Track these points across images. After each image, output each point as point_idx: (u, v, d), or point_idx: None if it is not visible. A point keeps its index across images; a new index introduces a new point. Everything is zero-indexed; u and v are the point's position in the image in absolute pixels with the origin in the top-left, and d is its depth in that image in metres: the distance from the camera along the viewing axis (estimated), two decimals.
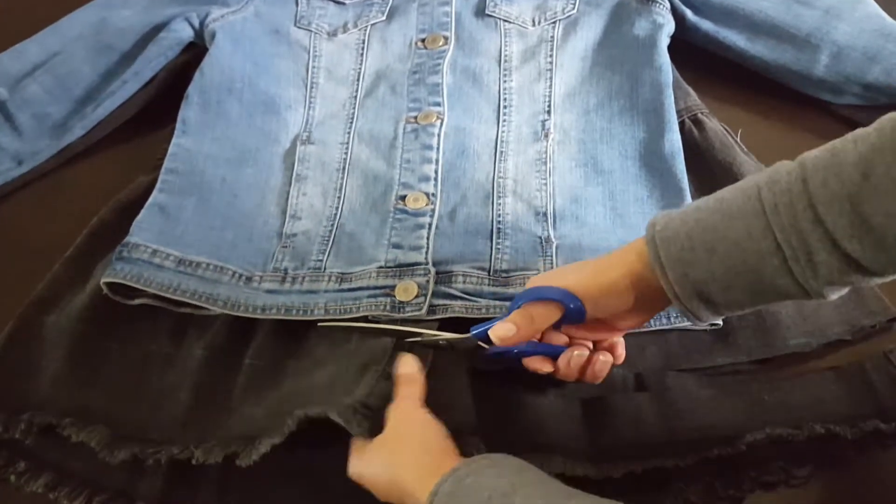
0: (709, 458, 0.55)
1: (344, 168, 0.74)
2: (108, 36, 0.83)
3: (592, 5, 0.83)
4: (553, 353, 0.56)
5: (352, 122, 0.77)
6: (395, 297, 0.62)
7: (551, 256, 0.66)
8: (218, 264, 0.66)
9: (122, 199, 0.72)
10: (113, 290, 0.64)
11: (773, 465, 0.56)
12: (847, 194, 0.43)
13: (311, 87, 0.80)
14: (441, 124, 0.75)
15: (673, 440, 0.57)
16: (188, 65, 0.82)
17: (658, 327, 0.62)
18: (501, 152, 0.73)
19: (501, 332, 0.54)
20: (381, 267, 0.65)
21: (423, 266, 0.64)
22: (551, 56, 0.80)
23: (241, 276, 0.66)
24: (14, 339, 0.64)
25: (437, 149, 0.73)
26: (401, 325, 0.61)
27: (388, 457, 0.50)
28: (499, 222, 0.69)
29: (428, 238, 0.67)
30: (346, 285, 0.64)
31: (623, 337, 0.58)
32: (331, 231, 0.69)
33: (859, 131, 0.45)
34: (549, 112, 0.76)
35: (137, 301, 0.64)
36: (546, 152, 0.73)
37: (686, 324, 0.61)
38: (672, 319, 0.62)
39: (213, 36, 0.81)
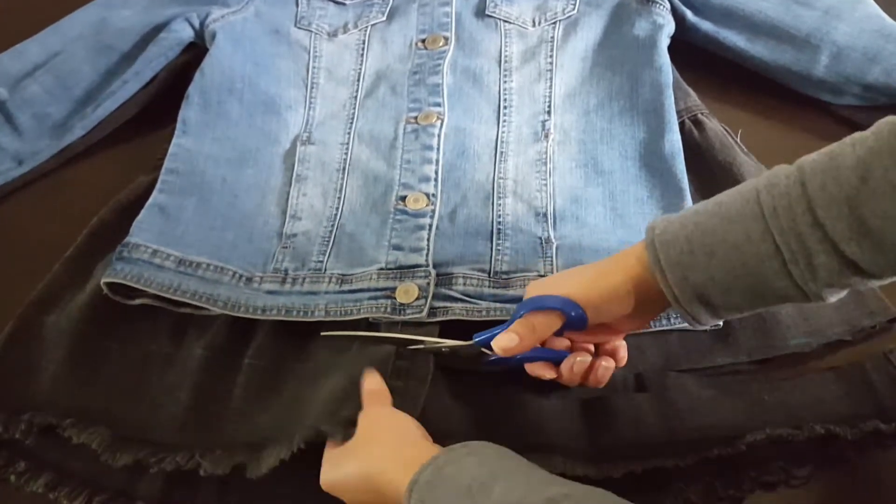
0: (709, 458, 0.55)
1: (344, 168, 0.74)
2: (109, 36, 0.83)
3: (592, 6, 0.83)
4: (555, 359, 0.56)
5: (352, 123, 0.77)
6: (395, 299, 0.62)
7: (551, 257, 0.66)
8: (218, 265, 0.66)
9: (122, 199, 0.72)
10: (113, 290, 0.64)
11: (773, 465, 0.56)
12: (845, 197, 0.43)
13: (312, 88, 0.80)
14: (441, 125, 0.75)
15: (673, 440, 0.57)
16: (188, 65, 0.82)
17: (658, 328, 0.62)
18: (501, 153, 0.73)
19: (504, 342, 0.54)
20: (381, 269, 0.65)
21: (423, 268, 0.64)
22: (551, 56, 0.80)
23: (241, 276, 0.66)
24: (14, 339, 0.63)
25: (438, 149, 0.73)
26: (402, 330, 0.61)
27: (361, 455, 0.50)
28: (499, 223, 0.69)
29: (428, 239, 0.67)
30: (346, 287, 0.64)
31: (624, 339, 0.58)
32: (331, 231, 0.69)
33: (857, 135, 0.45)
34: (549, 112, 0.76)
35: (137, 301, 0.64)
36: (546, 153, 0.73)
37: (686, 324, 0.61)
38: (672, 320, 0.62)
39: (213, 36, 0.81)
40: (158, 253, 0.65)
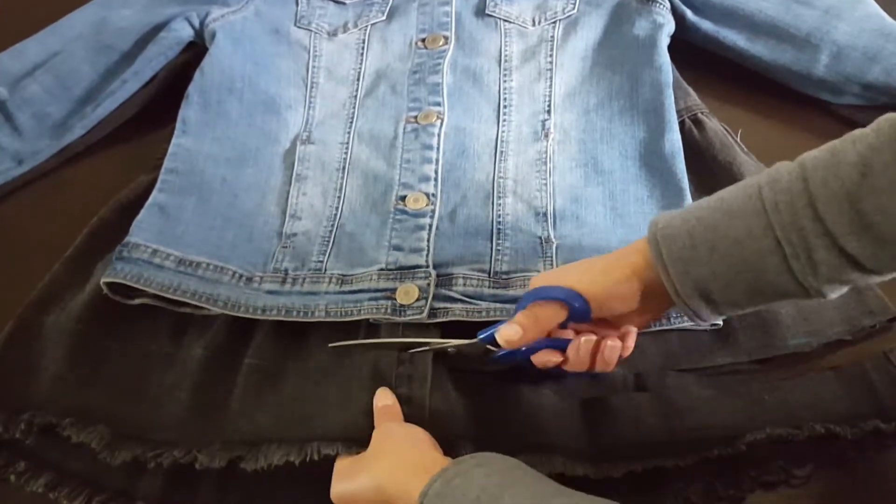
0: (709, 458, 0.55)
1: (344, 168, 0.74)
2: (108, 35, 0.83)
3: (592, 5, 0.83)
4: (560, 347, 0.56)
5: (352, 122, 0.77)
6: (395, 300, 0.62)
7: (551, 257, 0.66)
8: (218, 264, 0.66)
9: (122, 199, 0.72)
10: (113, 290, 0.64)
11: (773, 465, 0.56)
12: (846, 193, 0.44)
13: (312, 87, 0.80)
14: (441, 124, 0.75)
15: (673, 440, 0.57)
16: (188, 64, 0.82)
17: (658, 328, 0.62)
18: (501, 152, 0.73)
19: (508, 334, 0.54)
20: (381, 269, 0.65)
21: (423, 269, 0.64)
22: (551, 56, 0.80)
23: (241, 276, 0.65)
24: (14, 339, 0.63)
25: (438, 149, 0.73)
26: (403, 331, 0.61)
27: (373, 469, 0.50)
28: (499, 223, 0.69)
29: (428, 240, 0.67)
30: (346, 287, 0.64)
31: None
32: (331, 231, 0.69)
33: (858, 132, 0.46)
34: (549, 112, 0.76)
35: (137, 301, 0.64)
36: (546, 152, 0.73)
37: (686, 324, 0.61)
38: (672, 320, 0.62)
39: (213, 35, 0.81)
40: (158, 253, 0.65)
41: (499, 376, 0.60)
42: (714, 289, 0.49)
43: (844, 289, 0.48)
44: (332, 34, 0.84)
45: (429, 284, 0.63)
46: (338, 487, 0.52)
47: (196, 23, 0.83)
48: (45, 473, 0.58)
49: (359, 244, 0.68)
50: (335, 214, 0.71)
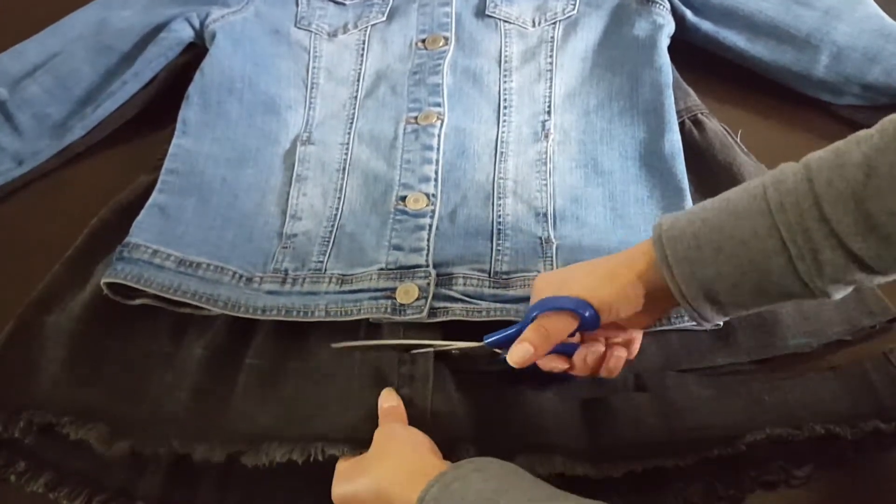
0: (709, 458, 0.55)
1: (344, 168, 0.74)
2: (108, 36, 0.83)
3: (592, 6, 0.83)
4: (566, 352, 0.56)
5: (352, 123, 0.77)
6: (395, 299, 0.62)
7: (551, 257, 0.66)
8: (218, 265, 0.66)
9: (122, 200, 0.72)
10: (113, 291, 0.64)
11: (773, 465, 0.56)
12: (851, 193, 0.44)
13: (312, 88, 0.80)
14: (441, 125, 0.75)
15: (673, 440, 0.57)
16: (188, 65, 0.82)
17: (658, 327, 0.62)
18: (501, 153, 0.74)
19: (519, 356, 0.53)
20: (381, 269, 0.65)
21: (423, 268, 0.64)
22: (551, 57, 0.80)
23: (241, 276, 0.66)
24: (14, 339, 0.63)
25: (438, 149, 0.73)
26: (404, 331, 0.61)
27: (374, 471, 0.50)
28: (499, 223, 0.69)
29: (428, 240, 0.67)
30: (346, 287, 0.64)
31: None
32: (331, 232, 0.69)
33: (862, 133, 0.46)
34: (549, 113, 0.76)
35: (137, 301, 0.64)
36: (546, 153, 0.73)
37: (686, 324, 0.61)
38: (672, 320, 0.62)
39: (213, 36, 0.81)
40: (158, 253, 0.65)
41: (499, 377, 0.60)
42: (719, 290, 0.49)
43: (849, 289, 0.48)
44: (333, 35, 0.84)
45: (429, 284, 0.63)
46: (339, 488, 0.52)
47: (196, 23, 0.83)
48: (45, 473, 0.59)
49: (359, 244, 0.68)
50: (335, 215, 0.71)
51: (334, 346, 0.61)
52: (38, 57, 0.82)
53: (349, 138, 0.76)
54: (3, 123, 0.78)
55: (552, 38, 0.81)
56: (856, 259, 0.45)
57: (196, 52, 0.83)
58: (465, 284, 0.64)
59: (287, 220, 0.70)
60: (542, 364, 0.56)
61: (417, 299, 0.62)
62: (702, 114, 0.76)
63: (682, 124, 0.75)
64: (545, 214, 0.69)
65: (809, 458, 0.56)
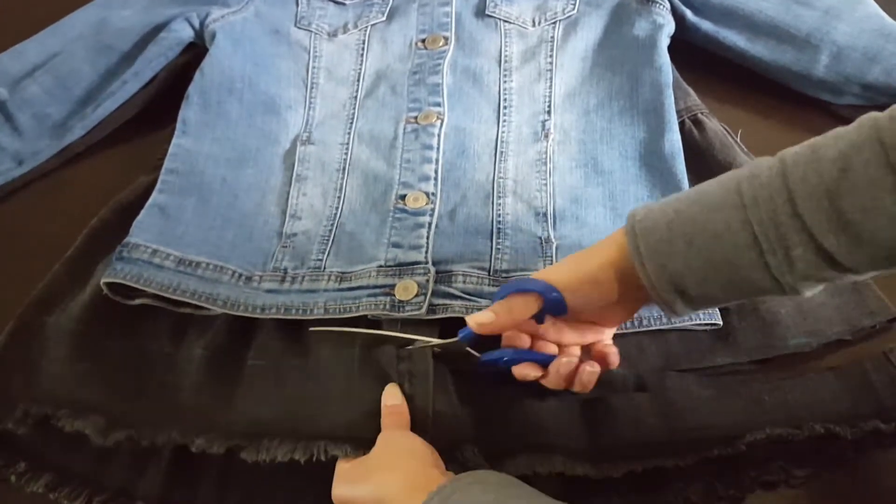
0: (709, 458, 0.55)
1: (344, 168, 0.74)
2: (108, 36, 0.83)
3: (592, 6, 0.83)
4: (542, 362, 0.56)
5: (352, 123, 0.77)
6: (394, 296, 0.62)
7: (551, 257, 0.66)
8: (218, 264, 0.66)
9: (122, 200, 0.72)
10: (113, 290, 0.64)
11: (773, 465, 0.56)
12: (825, 189, 0.43)
13: (312, 88, 0.80)
14: (441, 124, 0.75)
15: (673, 440, 0.57)
16: (188, 65, 0.82)
17: (658, 327, 0.62)
18: (501, 152, 0.74)
19: (480, 318, 0.54)
20: (381, 266, 0.65)
21: (422, 265, 0.64)
22: (551, 56, 0.80)
23: (240, 275, 0.66)
24: (14, 339, 0.63)
25: (438, 149, 0.73)
26: (402, 328, 0.61)
27: (375, 480, 0.50)
28: (499, 222, 0.69)
29: (428, 237, 0.67)
30: (345, 284, 0.64)
31: (620, 338, 0.59)
32: (331, 231, 0.69)
33: (840, 129, 0.46)
34: (549, 112, 0.76)
35: (137, 301, 0.64)
36: (546, 152, 0.73)
37: (686, 323, 0.61)
38: (673, 320, 0.62)
39: (213, 36, 0.81)
40: (158, 253, 0.65)
41: (499, 377, 0.60)
42: (689, 283, 0.49)
43: (820, 286, 0.48)
44: (332, 35, 0.84)
45: (427, 281, 0.63)
46: (339, 490, 0.52)
47: (196, 23, 0.83)
48: (45, 474, 0.58)
49: (358, 242, 0.68)
50: (335, 214, 0.71)
51: (312, 329, 0.61)
52: (38, 57, 0.82)
53: (349, 138, 0.76)
54: (3, 123, 0.78)
55: (552, 37, 0.81)
56: (827, 256, 0.44)
57: (196, 52, 0.83)
58: (464, 282, 0.64)
59: (287, 219, 0.70)
60: (516, 371, 0.56)
61: (416, 296, 0.62)
62: (702, 113, 0.76)
63: (682, 124, 0.75)
64: (545, 214, 0.69)
65: (809, 458, 0.56)
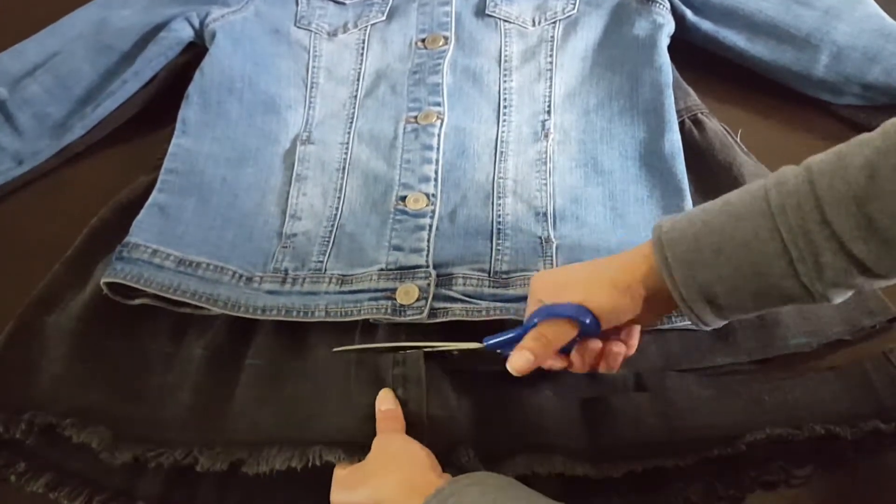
0: (709, 458, 0.55)
1: (344, 168, 0.74)
2: (108, 36, 0.83)
3: (592, 5, 0.83)
4: (565, 350, 0.56)
5: (352, 122, 0.77)
6: (396, 300, 0.62)
7: (551, 257, 0.66)
8: (218, 264, 0.66)
9: (122, 199, 0.72)
10: (113, 290, 0.64)
11: (773, 465, 0.56)
12: (853, 196, 0.44)
13: (311, 87, 0.80)
14: (441, 124, 0.75)
15: (673, 440, 0.57)
16: (188, 65, 0.82)
17: (658, 327, 0.62)
18: (501, 152, 0.73)
19: (519, 363, 0.53)
20: (381, 269, 0.65)
21: (423, 269, 0.64)
22: (551, 56, 0.80)
23: (241, 276, 0.65)
24: (14, 339, 0.63)
25: (438, 149, 0.73)
26: (406, 336, 0.61)
27: (372, 484, 0.50)
28: (499, 223, 0.69)
29: (428, 240, 0.67)
30: (346, 287, 0.64)
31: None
32: (331, 231, 0.69)
33: (864, 135, 0.46)
34: (549, 112, 0.76)
35: (137, 301, 0.64)
36: (546, 152, 0.73)
37: (686, 323, 0.61)
38: (672, 319, 0.62)
39: (213, 36, 0.81)
40: (158, 253, 0.65)
41: (498, 377, 0.60)
42: (719, 292, 0.49)
43: (849, 293, 0.48)
44: (332, 34, 0.84)
45: (429, 284, 0.63)
46: (338, 496, 0.52)
47: (196, 23, 0.83)
48: (45, 473, 0.58)
49: (359, 244, 0.68)
50: (335, 214, 0.71)
51: (336, 350, 0.61)
52: (38, 56, 0.82)
53: (349, 138, 0.76)
54: (3, 123, 0.78)
55: (552, 37, 0.81)
56: (856, 262, 0.45)
57: (196, 51, 0.83)
58: (464, 284, 0.64)
59: (287, 219, 0.70)
60: (543, 366, 0.56)
61: (418, 300, 0.62)
62: (702, 114, 0.76)
63: (682, 124, 0.75)
64: (545, 214, 0.69)
65: (809, 458, 0.56)
